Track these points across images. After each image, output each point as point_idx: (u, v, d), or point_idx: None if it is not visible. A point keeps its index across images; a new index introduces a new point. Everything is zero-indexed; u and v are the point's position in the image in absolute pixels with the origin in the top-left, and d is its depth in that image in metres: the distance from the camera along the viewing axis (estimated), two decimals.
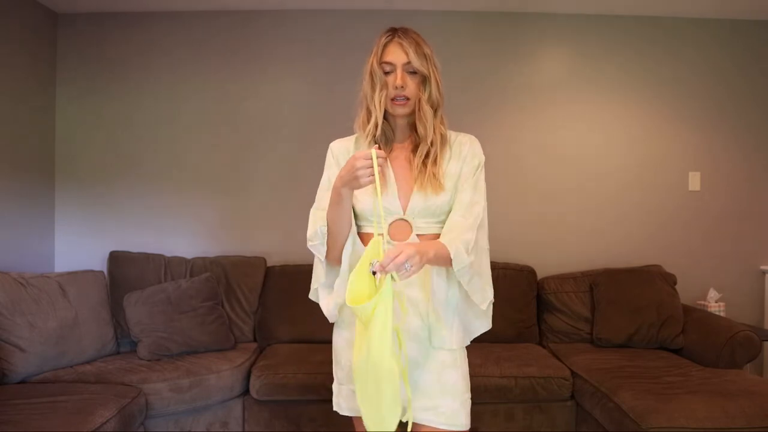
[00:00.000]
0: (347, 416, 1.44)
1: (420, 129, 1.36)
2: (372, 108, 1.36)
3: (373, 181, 1.20)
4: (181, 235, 3.29)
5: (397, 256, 1.10)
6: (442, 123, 1.39)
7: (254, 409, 2.54)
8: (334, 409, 1.45)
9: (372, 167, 1.20)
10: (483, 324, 1.41)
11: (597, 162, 3.35)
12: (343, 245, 1.34)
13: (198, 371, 2.45)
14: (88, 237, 3.26)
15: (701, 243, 3.35)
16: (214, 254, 3.21)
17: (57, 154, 3.26)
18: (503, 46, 3.32)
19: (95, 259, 3.17)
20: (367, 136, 1.38)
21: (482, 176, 1.40)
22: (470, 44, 3.30)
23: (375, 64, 1.35)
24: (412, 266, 1.13)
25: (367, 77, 1.37)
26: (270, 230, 3.29)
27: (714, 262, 3.34)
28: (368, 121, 1.37)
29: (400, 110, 1.36)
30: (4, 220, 2.84)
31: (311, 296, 1.46)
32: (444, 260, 1.25)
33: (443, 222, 1.36)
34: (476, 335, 1.42)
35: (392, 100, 1.35)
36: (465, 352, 1.41)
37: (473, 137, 1.44)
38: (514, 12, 3.31)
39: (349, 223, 1.32)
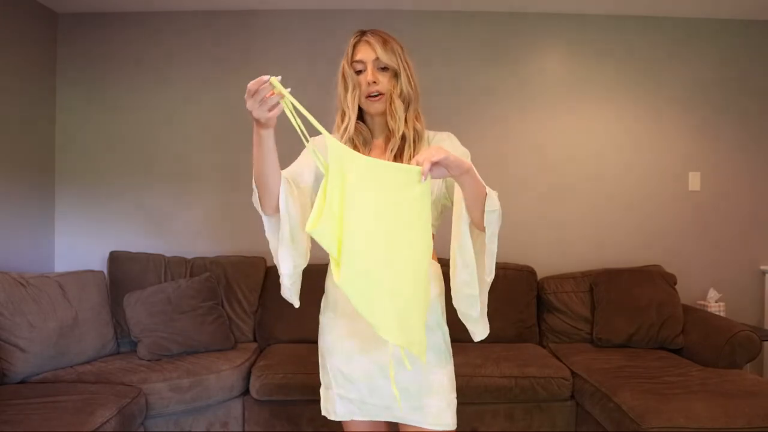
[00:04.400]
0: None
1: (390, 123, 1.37)
2: (346, 108, 1.38)
3: (276, 113, 1.14)
4: (181, 235, 3.29)
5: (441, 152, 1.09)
6: (417, 119, 1.39)
7: (254, 409, 2.54)
8: (323, 413, 1.43)
9: (270, 98, 1.11)
10: (481, 330, 1.33)
11: (597, 162, 3.35)
12: (276, 195, 1.29)
13: (198, 371, 2.45)
14: (88, 237, 3.26)
15: (701, 243, 3.35)
16: (214, 254, 3.21)
17: (57, 154, 3.26)
18: (499, 46, 3.32)
19: (95, 259, 3.17)
20: (342, 137, 1.38)
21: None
22: (465, 45, 3.30)
23: (346, 66, 1.38)
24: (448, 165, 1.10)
25: (340, 80, 1.40)
26: None
27: (714, 262, 3.34)
28: (342, 122, 1.40)
29: (377, 106, 1.37)
30: (4, 220, 2.84)
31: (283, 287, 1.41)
32: (477, 194, 1.17)
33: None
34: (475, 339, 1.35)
35: (367, 97, 1.37)
36: (450, 352, 1.40)
37: (450, 133, 1.44)
38: (513, 12, 3.31)
39: (276, 168, 1.28)
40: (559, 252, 3.32)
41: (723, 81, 3.36)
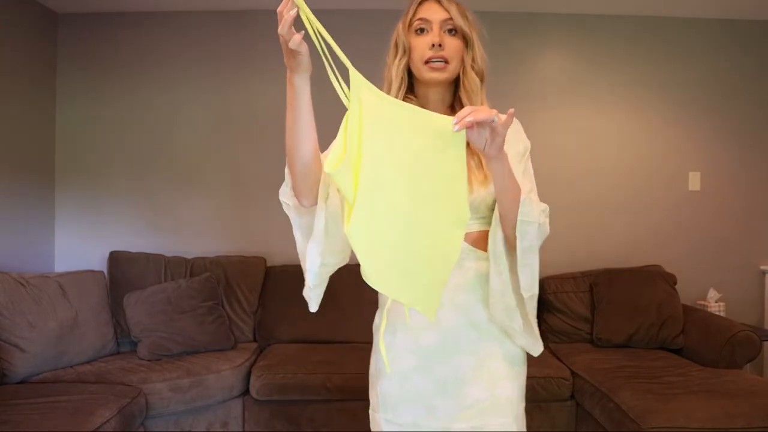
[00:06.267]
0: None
1: (465, 101, 1.14)
2: (391, 77, 1.15)
3: (300, 39, 0.89)
4: (181, 235, 3.29)
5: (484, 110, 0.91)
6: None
7: (254, 409, 2.54)
8: None
9: (292, 21, 0.87)
10: (530, 345, 1.16)
11: (597, 162, 3.35)
12: (308, 171, 1.04)
13: (198, 371, 2.45)
14: (88, 237, 3.26)
15: (701, 243, 3.35)
16: (214, 254, 3.21)
17: (57, 154, 3.26)
18: (500, 46, 3.32)
19: (95, 259, 3.17)
20: None
21: (530, 164, 1.19)
22: None
23: (401, 29, 1.15)
24: (494, 135, 0.92)
25: (391, 48, 1.17)
26: (270, 230, 3.29)
27: (714, 262, 3.34)
28: None
29: (437, 75, 1.12)
30: (4, 220, 2.84)
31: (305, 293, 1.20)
32: (507, 192, 1.02)
33: (487, 218, 1.14)
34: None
35: (426, 62, 1.12)
36: (525, 359, 1.21)
37: (514, 118, 1.18)
38: (514, 12, 3.31)
39: (310, 133, 1.03)
40: (559, 252, 3.32)
41: (723, 81, 3.36)
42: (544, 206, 1.11)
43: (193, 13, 3.29)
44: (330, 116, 1.14)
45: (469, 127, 0.92)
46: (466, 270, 1.15)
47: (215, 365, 2.52)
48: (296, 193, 1.09)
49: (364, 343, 3.30)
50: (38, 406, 1.96)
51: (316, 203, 1.09)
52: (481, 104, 1.13)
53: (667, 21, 3.34)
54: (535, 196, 1.12)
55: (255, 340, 3.01)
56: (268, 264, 3.18)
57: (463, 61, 1.14)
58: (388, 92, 1.15)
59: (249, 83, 3.31)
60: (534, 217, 1.04)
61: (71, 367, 2.48)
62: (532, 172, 1.19)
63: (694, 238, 3.35)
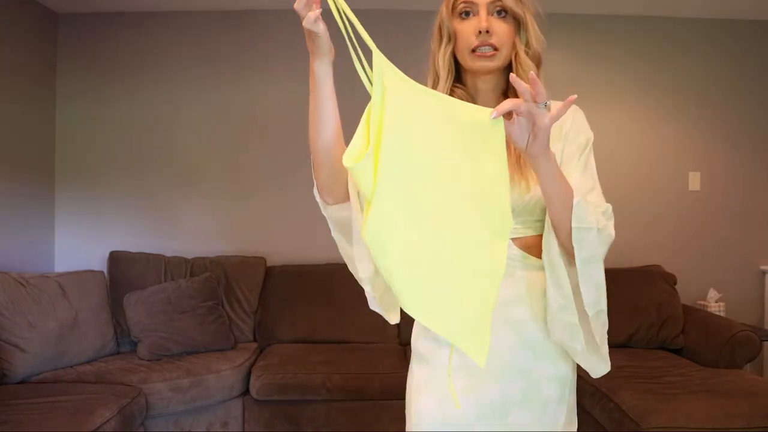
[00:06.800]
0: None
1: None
2: (436, 67, 1.03)
3: (317, 15, 0.83)
4: (181, 235, 3.29)
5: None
6: None
7: (254, 409, 2.54)
8: None
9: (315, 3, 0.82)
10: (596, 365, 1.03)
11: (597, 162, 3.33)
12: (333, 164, 0.94)
13: (198, 371, 2.45)
14: (88, 237, 3.26)
15: (701, 243, 3.35)
16: (214, 254, 3.20)
17: (57, 154, 3.26)
18: None
19: (95, 259, 3.17)
20: None
21: (592, 158, 1.07)
22: None
23: (444, 13, 1.02)
24: (540, 129, 0.82)
25: (435, 34, 1.05)
26: (270, 230, 3.29)
27: (714, 262, 3.34)
28: (435, 88, 1.02)
29: (485, 64, 0.99)
30: (4, 220, 2.84)
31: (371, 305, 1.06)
32: (558, 193, 0.90)
33: (542, 221, 1.01)
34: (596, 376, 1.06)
35: (473, 51, 0.99)
36: (575, 376, 1.08)
37: (576, 107, 1.10)
38: None
39: (333, 122, 0.94)
40: None
41: (723, 81, 3.36)
42: (605, 206, 0.97)
43: (193, 13, 3.29)
44: (356, 108, 1.02)
45: (508, 117, 0.82)
46: (518, 280, 1.01)
47: (215, 365, 2.52)
48: (320, 190, 1.01)
49: (364, 343, 3.31)
50: (38, 406, 1.96)
51: (340, 201, 1.00)
52: None
53: (667, 21, 3.34)
54: (595, 196, 1.00)
55: (255, 340, 3.01)
56: (268, 264, 3.18)
57: (515, 45, 1.01)
58: (434, 84, 1.04)
59: (249, 83, 3.30)
60: (591, 222, 0.90)
61: (71, 367, 2.48)
62: (594, 167, 1.06)
63: (693, 238, 3.35)
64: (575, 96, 0.82)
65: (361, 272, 1.00)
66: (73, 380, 2.33)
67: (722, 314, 3.08)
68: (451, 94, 1.02)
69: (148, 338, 2.64)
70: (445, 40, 1.02)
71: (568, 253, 0.94)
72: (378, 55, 0.82)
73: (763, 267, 3.34)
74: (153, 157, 3.29)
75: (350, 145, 0.82)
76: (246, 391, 2.57)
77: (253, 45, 3.31)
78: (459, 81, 1.06)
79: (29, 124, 3.04)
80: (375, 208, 0.80)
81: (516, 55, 1.00)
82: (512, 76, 0.81)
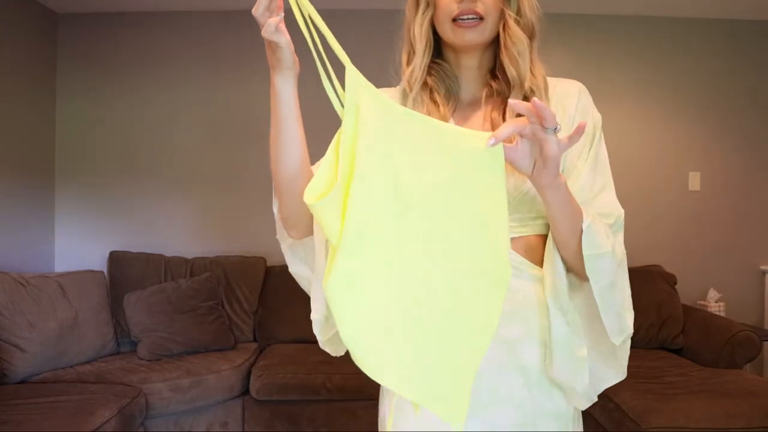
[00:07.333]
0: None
1: (509, 67, 0.85)
2: (412, 40, 0.87)
3: (277, 23, 0.72)
4: (181, 235, 3.29)
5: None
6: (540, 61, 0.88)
7: (254, 409, 2.54)
8: None
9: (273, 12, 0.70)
10: (612, 371, 0.94)
11: None
12: (295, 176, 0.81)
13: (198, 371, 2.45)
14: (88, 237, 3.26)
15: (701, 243, 3.35)
16: (214, 254, 3.20)
17: (57, 154, 3.26)
18: None
19: (95, 259, 3.17)
20: (411, 86, 0.87)
21: (603, 146, 0.89)
22: None
23: None
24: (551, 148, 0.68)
25: (409, 2, 0.89)
26: (270, 230, 3.23)
27: (714, 262, 3.34)
28: (408, 64, 0.89)
29: (469, 36, 0.83)
30: (4, 220, 2.84)
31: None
32: (570, 223, 0.77)
33: (542, 218, 0.86)
34: (602, 388, 0.93)
35: (453, 20, 0.83)
36: (579, 413, 0.92)
37: (581, 85, 0.97)
38: None
39: (297, 147, 0.80)
40: None
41: (723, 81, 3.35)
42: (615, 215, 0.83)
43: (193, 13, 3.29)
44: (329, 130, 0.89)
45: (509, 140, 0.70)
46: (514, 293, 0.84)
47: (215, 365, 2.52)
48: (283, 222, 0.88)
49: None
50: (38, 406, 1.96)
51: (306, 235, 0.87)
52: (530, 67, 0.85)
53: (667, 21, 3.34)
54: (608, 196, 0.85)
55: (255, 340, 3.02)
56: (268, 264, 3.18)
57: (503, 14, 0.84)
58: (409, 58, 0.89)
59: (249, 83, 3.30)
60: (605, 245, 0.78)
61: (71, 367, 2.48)
62: (606, 157, 0.88)
63: (694, 238, 3.35)
64: (586, 122, 0.71)
65: (314, 312, 0.88)
66: (73, 380, 2.34)
67: (722, 314, 3.08)
68: (429, 71, 0.89)
69: (148, 338, 2.64)
70: (422, 6, 0.86)
71: (577, 274, 0.83)
72: (351, 70, 0.69)
73: (763, 267, 3.34)
74: (153, 157, 3.29)
75: (314, 178, 0.67)
76: (246, 391, 2.57)
77: (253, 45, 3.30)
78: (439, 56, 0.91)
79: (29, 124, 3.04)
80: (342, 257, 0.64)
81: (505, 25, 0.84)
82: (510, 101, 0.69)
